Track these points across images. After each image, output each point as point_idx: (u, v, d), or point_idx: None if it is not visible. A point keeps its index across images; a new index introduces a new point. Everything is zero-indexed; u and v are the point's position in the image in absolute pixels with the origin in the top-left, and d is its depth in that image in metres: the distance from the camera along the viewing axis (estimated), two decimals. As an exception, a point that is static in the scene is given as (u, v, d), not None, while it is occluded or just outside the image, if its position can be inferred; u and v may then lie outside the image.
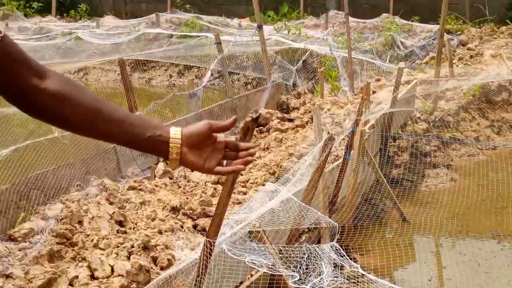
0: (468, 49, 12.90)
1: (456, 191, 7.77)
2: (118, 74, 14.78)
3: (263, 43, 10.50)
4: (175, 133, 1.89)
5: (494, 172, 8.25)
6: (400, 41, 13.52)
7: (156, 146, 1.90)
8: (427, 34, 14.47)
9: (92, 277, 4.82)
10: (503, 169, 8.22)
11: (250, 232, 4.72)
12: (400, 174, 8.38)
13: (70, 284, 4.76)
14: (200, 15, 16.62)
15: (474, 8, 16.25)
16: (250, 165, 7.34)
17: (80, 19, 19.13)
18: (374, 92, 9.80)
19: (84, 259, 4.99)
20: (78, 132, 1.98)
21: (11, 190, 5.66)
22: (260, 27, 10.33)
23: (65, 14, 19.59)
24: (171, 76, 15.28)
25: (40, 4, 19.61)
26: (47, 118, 1.93)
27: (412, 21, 15.47)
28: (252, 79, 13.74)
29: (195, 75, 14.70)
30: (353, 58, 11.25)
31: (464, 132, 9.64)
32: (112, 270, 4.84)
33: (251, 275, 4.80)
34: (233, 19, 16.99)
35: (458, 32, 14.49)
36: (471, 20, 15.72)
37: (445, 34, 10.97)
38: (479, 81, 10.25)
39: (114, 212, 5.67)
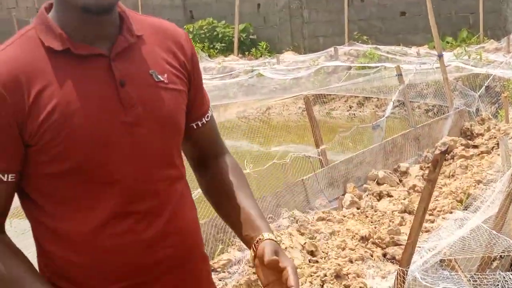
0: None
1: None
2: (299, 107, 15.14)
3: (444, 72, 10.44)
4: (255, 244, 1.99)
5: None
6: None
7: (248, 245, 2.04)
8: None
9: (288, 305, 5.03)
10: None
11: (441, 261, 4.74)
12: None
13: (267, 312, 5.00)
14: (378, 46, 16.65)
15: None
16: (436, 193, 7.32)
17: (261, 56, 19.69)
18: None
19: (280, 288, 5.21)
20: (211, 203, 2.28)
21: (209, 224, 6.01)
22: (440, 56, 10.29)
23: (246, 53, 20.25)
24: (351, 107, 15.39)
25: (223, 44, 20.42)
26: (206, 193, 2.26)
27: None
28: (433, 105, 13.59)
29: (375, 105, 14.76)
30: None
31: None
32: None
33: (443, 303, 4.81)
34: (411, 47, 16.91)
35: None
36: None
37: None
38: None
39: (305, 243, 5.88)
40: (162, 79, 1.98)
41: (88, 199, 1.92)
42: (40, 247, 2.01)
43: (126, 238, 1.93)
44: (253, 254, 1.99)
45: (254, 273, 5.43)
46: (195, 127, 2.16)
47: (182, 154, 2.21)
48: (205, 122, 2.18)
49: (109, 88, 1.89)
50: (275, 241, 2.00)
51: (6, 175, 1.87)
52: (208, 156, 2.24)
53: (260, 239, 2.00)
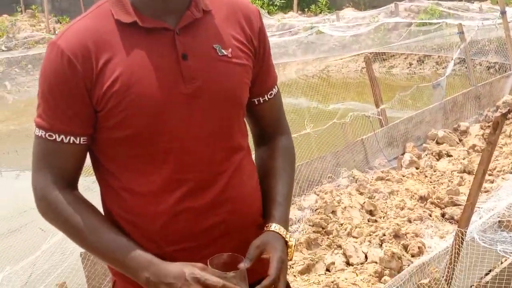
0: None
1: None
2: (359, 65, 15.05)
3: (507, 29, 10.24)
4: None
5: None
6: None
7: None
8: None
9: (347, 263, 5.13)
10: None
11: (500, 222, 4.75)
12: None
13: (327, 270, 5.11)
14: (439, 1, 16.33)
15: None
16: (496, 153, 7.28)
17: (320, 13, 19.52)
18: None
19: (339, 246, 5.31)
20: None
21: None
22: (503, 13, 10.08)
23: (305, 9, 20.10)
24: (410, 64, 15.19)
25: (282, 1, 20.31)
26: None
27: None
28: (494, 63, 13.34)
29: (436, 62, 14.56)
30: None
31: None
32: (366, 257, 5.12)
33: (501, 263, 4.77)
34: (473, 3, 16.56)
35: None
36: None
37: None
38: None
39: (364, 202, 5.94)
40: (226, 53, 2.04)
41: (147, 165, 2.01)
42: (105, 207, 2.13)
43: (180, 205, 2.02)
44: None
45: (314, 231, 5.54)
46: (256, 102, 2.21)
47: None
48: (267, 99, 2.23)
49: (171, 61, 1.97)
50: (277, 230, 2.08)
51: (78, 138, 1.99)
52: (267, 133, 2.29)
53: (266, 226, 2.11)
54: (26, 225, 7.38)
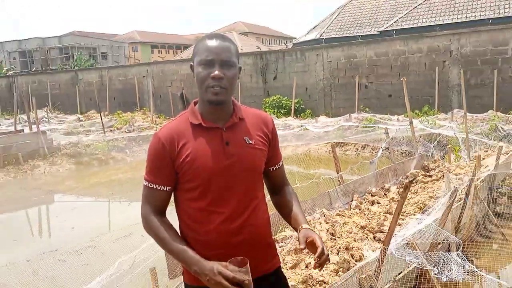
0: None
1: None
2: (328, 149, 15.01)
3: (413, 131, 10.26)
4: (298, 231, 2.13)
5: None
6: (501, 127, 12.50)
7: (295, 230, 2.14)
8: (519, 122, 13.20)
9: (318, 263, 5.02)
10: None
11: (407, 243, 4.71)
12: (501, 209, 7.74)
13: (306, 267, 5.01)
14: (375, 114, 16.43)
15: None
16: (406, 202, 7.20)
17: (306, 117, 19.64)
18: (483, 159, 9.20)
19: (313, 253, 5.21)
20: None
21: (275, 214, 6.02)
22: (411, 122, 10.13)
23: (298, 115, 20.22)
24: (357, 149, 15.15)
25: (285, 110, 20.42)
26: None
27: (509, 114, 14.27)
28: (406, 151, 13.29)
29: (372, 148, 14.51)
30: (470, 138, 10.62)
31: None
32: (328, 260, 5.01)
33: (408, 267, 4.76)
34: (394, 115, 16.64)
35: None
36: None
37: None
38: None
39: (328, 228, 5.86)
40: (251, 142, 2.07)
41: (200, 203, 2.04)
42: (180, 226, 2.14)
43: (220, 227, 2.03)
44: (297, 237, 2.10)
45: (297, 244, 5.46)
46: (271, 169, 2.25)
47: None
48: (277, 167, 2.26)
49: (219, 146, 2.02)
50: (308, 227, 2.09)
51: (166, 187, 2.04)
52: (277, 186, 2.32)
53: (300, 228, 2.11)
54: (133, 233, 7.36)
